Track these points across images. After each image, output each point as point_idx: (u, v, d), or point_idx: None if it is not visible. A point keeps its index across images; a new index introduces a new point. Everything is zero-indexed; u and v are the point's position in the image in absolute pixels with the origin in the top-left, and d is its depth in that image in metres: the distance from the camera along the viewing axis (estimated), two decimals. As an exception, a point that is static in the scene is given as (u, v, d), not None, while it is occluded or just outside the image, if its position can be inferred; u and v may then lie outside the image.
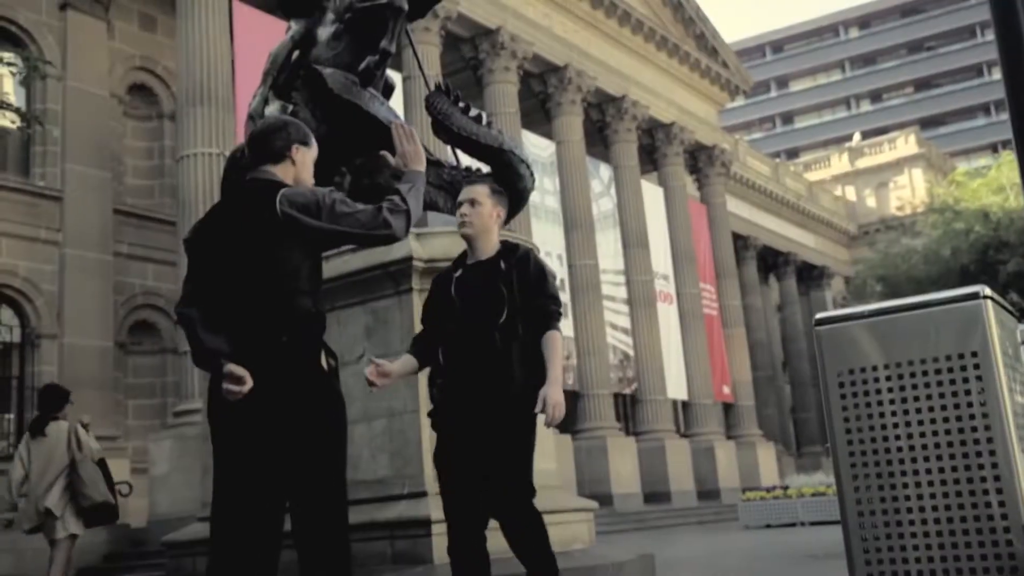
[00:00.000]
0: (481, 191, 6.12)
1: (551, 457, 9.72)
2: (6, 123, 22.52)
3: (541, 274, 5.98)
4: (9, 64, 18.72)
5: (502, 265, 5.94)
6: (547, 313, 5.93)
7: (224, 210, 5.08)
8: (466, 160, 9.92)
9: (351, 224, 4.82)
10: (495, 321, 5.76)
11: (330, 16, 9.35)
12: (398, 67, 26.67)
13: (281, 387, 4.68)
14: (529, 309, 5.87)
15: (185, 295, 4.95)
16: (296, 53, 9.44)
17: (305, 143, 5.19)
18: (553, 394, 5.66)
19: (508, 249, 6.06)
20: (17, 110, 19.94)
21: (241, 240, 4.84)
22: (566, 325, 33.32)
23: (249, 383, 4.58)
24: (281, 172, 5.06)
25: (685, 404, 40.94)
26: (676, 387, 39.10)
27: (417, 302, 8.98)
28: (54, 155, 25.05)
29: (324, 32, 9.32)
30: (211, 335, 4.72)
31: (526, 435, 5.81)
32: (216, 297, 4.83)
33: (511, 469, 5.70)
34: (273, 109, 9.28)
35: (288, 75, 9.35)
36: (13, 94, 23.68)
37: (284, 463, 4.72)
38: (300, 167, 5.12)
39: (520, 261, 5.95)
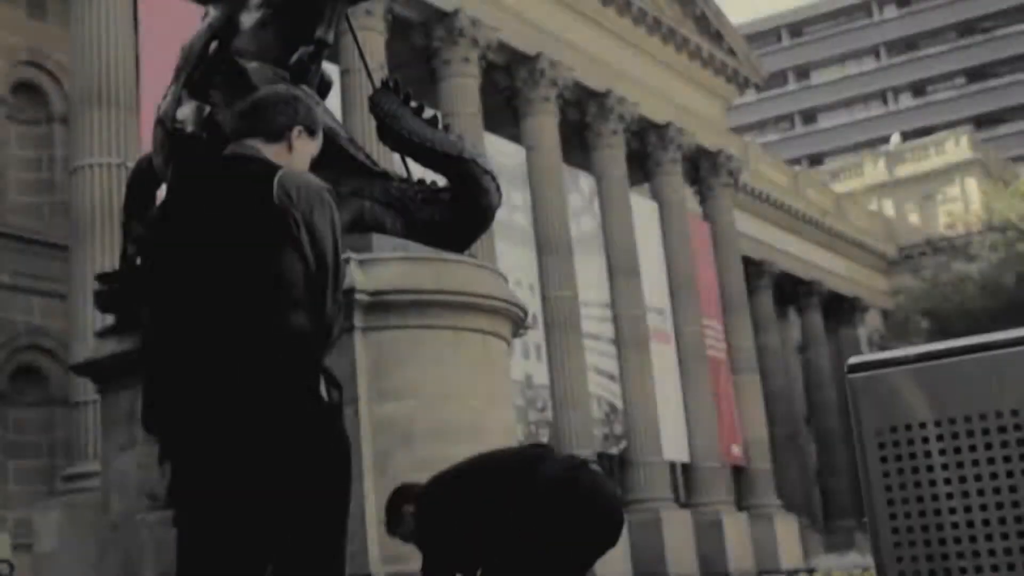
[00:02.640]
0: None
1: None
2: None
3: None
4: None
5: None
6: None
7: (193, 196, 4.96)
8: (418, 171, 10.00)
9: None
10: None
11: (255, 0, 9.42)
12: (335, 59, 26.75)
13: (270, 427, 4.52)
14: None
15: (147, 327, 4.88)
16: (215, 44, 9.49)
17: (312, 131, 5.14)
18: None
19: None
20: None
21: (220, 234, 4.71)
22: (539, 369, 33.39)
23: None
24: (272, 155, 4.95)
25: (686, 467, 40.99)
26: (674, 446, 39.12)
27: (360, 344, 9.03)
28: (-84, 166, 25.04)
29: (248, 19, 9.39)
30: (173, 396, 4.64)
31: None
32: (185, 315, 4.71)
33: None
34: (187, 111, 9.33)
35: (205, 70, 9.39)
36: None
37: (270, 524, 4.56)
38: (296, 157, 5.04)
39: None
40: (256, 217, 4.65)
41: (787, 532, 43.19)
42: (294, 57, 9.13)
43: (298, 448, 4.53)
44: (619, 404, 37.14)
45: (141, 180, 10.46)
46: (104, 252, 21.37)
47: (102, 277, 10.14)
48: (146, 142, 14.40)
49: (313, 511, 4.59)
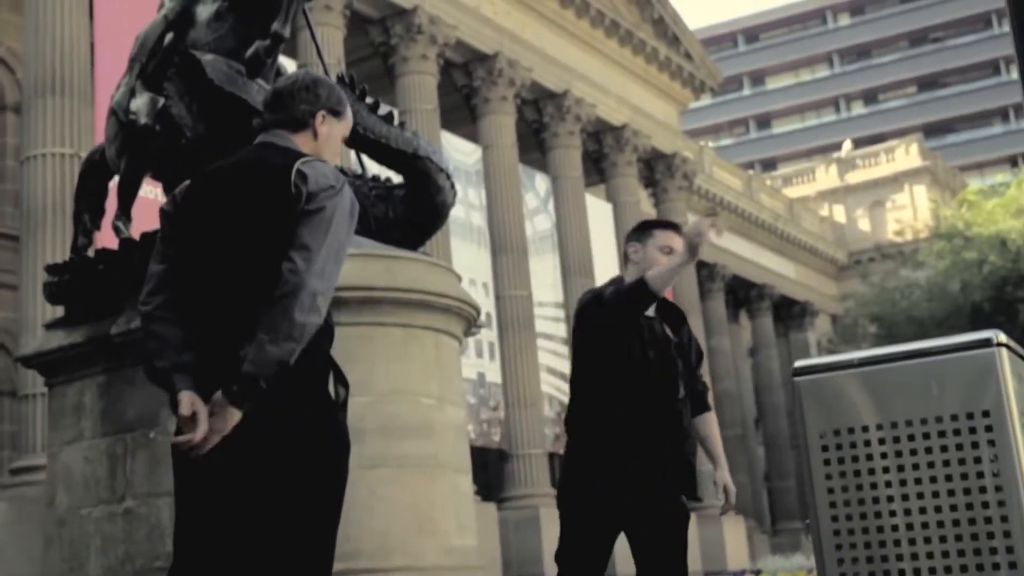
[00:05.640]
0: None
1: (471, 531, 9.72)
2: None
3: (699, 346, 6.78)
4: None
5: (667, 331, 6.50)
6: (705, 391, 6.78)
7: (224, 179, 4.82)
8: (373, 167, 9.95)
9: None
10: (677, 396, 6.42)
11: (212, -9, 9.36)
12: (293, 54, 26.66)
13: (276, 420, 4.44)
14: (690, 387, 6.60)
15: (154, 285, 4.73)
16: (170, 36, 9.41)
17: (336, 113, 5.02)
18: (729, 479, 6.83)
19: (667, 309, 6.64)
20: None
21: (242, 220, 4.62)
22: (492, 368, 33.37)
23: (203, 429, 4.36)
24: (299, 142, 4.88)
25: (637, 468, 40.98)
26: (626, 447, 39.13)
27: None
28: None
29: (204, 11, 9.30)
30: (174, 342, 4.56)
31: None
32: (195, 293, 4.64)
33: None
34: (141, 102, 9.25)
35: (160, 62, 9.32)
36: None
37: (262, 522, 4.48)
38: (323, 143, 4.95)
39: (689, 331, 6.65)
40: (271, 206, 4.56)
41: (734, 534, 43.28)
42: (250, 51, 9.02)
43: (299, 443, 4.47)
44: (570, 404, 37.07)
45: (93, 171, 10.37)
46: (55, 243, 21.20)
47: (52, 268, 10.01)
48: (100, 132, 14.34)
49: (306, 509, 4.52)
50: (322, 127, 4.93)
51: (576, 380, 6.59)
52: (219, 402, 4.37)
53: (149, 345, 4.64)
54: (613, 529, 6.37)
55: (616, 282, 6.54)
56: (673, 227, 6.63)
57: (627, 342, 6.28)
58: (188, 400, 4.39)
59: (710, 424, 6.78)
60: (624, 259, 6.68)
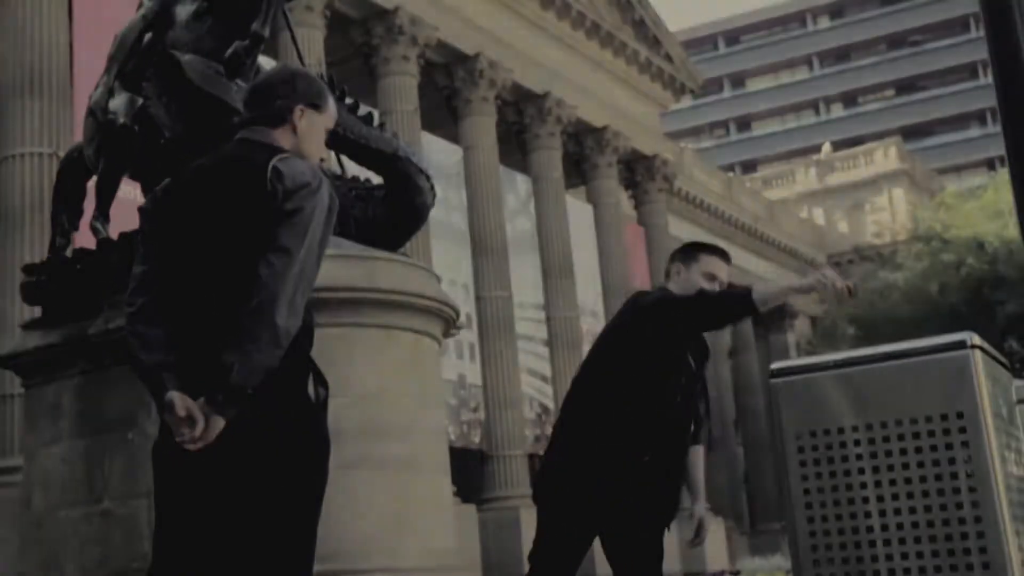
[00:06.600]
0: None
1: (450, 533, 9.72)
2: None
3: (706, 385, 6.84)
4: None
5: (692, 362, 6.44)
6: (700, 426, 6.77)
7: (202, 177, 4.76)
8: (353, 168, 9.94)
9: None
10: (688, 425, 6.58)
11: (191, -9, 9.34)
12: (273, 54, 26.55)
13: (257, 420, 4.41)
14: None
15: (137, 285, 4.68)
16: (149, 35, 9.38)
17: (317, 105, 4.89)
18: (706, 513, 7.26)
19: (696, 340, 6.58)
20: None
21: (220, 218, 4.57)
22: (472, 369, 33.34)
23: (201, 424, 4.30)
24: (279, 138, 4.78)
25: (616, 469, 40.97)
26: (606, 448, 39.10)
27: (291, 342, 8.93)
28: None
29: (183, 11, 9.28)
30: (157, 342, 4.51)
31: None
32: (177, 293, 4.60)
33: None
34: (119, 102, 9.22)
35: (139, 62, 9.28)
36: None
37: (243, 523, 4.47)
38: (304, 136, 4.84)
39: (705, 369, 6.69)
40: (249, 205, 4.50)
41: (714, 535, 43.10)
42: (229, 51, 8.99)
43: (281, 444, 4.44)
44: (551, 405, 37.09)
45: (72, 171, 10.33)
46: (33, 243, 21.10)
47: (29, 269, 9.97)
48: (78, 132, 14.31)
49: (287, 510, 4.50)
50: (301, 121, 4.82)
51: (592, 375, 6.40)
52: (204, 410, 4.34)
53: (133, 345, 4.58)
54: (600, 528, 6.27)
55: (663, 291, 6.48)
56: (719, 253, 6.53)
57: (670, 355, 6.23)
58: (180, 400, 4.34)
59: (696, 456, 6.82)
60: (665, 275, 6.58)
